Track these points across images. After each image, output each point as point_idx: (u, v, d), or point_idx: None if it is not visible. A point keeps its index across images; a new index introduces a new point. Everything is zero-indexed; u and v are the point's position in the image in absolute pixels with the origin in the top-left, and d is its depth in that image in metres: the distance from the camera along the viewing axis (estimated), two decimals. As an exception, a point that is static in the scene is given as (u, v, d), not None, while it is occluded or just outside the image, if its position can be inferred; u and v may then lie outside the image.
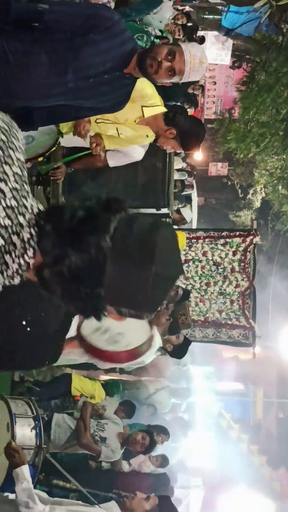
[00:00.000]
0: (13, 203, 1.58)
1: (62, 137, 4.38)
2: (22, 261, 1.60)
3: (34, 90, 3.00)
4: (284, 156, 12.09)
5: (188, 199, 12.80)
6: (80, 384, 6.62)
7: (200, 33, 12.98)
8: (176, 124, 4.25)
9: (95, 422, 5.82)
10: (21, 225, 1.59)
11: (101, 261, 1.53)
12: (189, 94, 10.51)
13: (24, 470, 3.83)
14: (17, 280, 1.64)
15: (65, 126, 4.46)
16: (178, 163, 10.64)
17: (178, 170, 11.12)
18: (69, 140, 4.60)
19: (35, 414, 4.45)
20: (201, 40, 10.60)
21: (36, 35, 2.94)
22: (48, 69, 2.96)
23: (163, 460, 8.09)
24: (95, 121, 4.33)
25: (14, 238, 1.57)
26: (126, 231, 1.57)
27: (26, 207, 1.61)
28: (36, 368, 5.33)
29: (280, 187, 14.26)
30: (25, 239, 1.59)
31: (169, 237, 1.66)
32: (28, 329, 2.24)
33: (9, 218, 1.57)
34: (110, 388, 7.16)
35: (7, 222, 1.56)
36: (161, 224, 1.69)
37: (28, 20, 2.93)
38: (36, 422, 4.38)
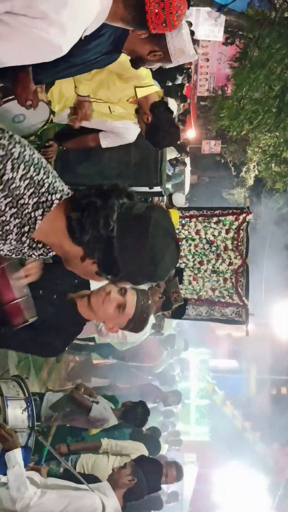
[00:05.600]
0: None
1: (54, 115, 4.35)
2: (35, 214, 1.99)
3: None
4: (277, 133, 12.03)
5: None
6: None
7: (192, 8, 12.88)
8: (155, 113, 4.32)
9: (87, 397, 5.87)
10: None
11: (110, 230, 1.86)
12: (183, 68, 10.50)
13: (17, 454, 3.84)
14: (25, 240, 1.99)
15: (57, 105, 4.43)
16: (172, 153, 10.51)
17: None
18: (61, 118, 4.58)
19: (27, 395, 4.42)
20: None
21: None
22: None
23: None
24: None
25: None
26: (128, 210, 1.90)
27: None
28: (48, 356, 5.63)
29: (273, 164, 14.20)
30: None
31: (162, 213, 1.95)
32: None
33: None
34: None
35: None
36: (154, 206, 2.01)
37: None
38: (28, 404, 4.35)
